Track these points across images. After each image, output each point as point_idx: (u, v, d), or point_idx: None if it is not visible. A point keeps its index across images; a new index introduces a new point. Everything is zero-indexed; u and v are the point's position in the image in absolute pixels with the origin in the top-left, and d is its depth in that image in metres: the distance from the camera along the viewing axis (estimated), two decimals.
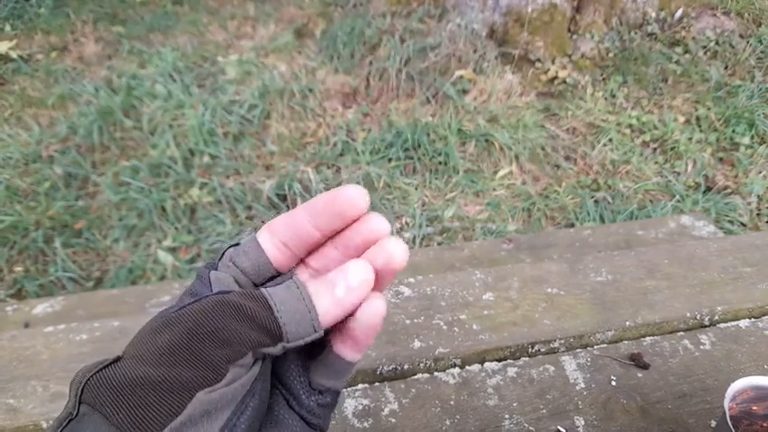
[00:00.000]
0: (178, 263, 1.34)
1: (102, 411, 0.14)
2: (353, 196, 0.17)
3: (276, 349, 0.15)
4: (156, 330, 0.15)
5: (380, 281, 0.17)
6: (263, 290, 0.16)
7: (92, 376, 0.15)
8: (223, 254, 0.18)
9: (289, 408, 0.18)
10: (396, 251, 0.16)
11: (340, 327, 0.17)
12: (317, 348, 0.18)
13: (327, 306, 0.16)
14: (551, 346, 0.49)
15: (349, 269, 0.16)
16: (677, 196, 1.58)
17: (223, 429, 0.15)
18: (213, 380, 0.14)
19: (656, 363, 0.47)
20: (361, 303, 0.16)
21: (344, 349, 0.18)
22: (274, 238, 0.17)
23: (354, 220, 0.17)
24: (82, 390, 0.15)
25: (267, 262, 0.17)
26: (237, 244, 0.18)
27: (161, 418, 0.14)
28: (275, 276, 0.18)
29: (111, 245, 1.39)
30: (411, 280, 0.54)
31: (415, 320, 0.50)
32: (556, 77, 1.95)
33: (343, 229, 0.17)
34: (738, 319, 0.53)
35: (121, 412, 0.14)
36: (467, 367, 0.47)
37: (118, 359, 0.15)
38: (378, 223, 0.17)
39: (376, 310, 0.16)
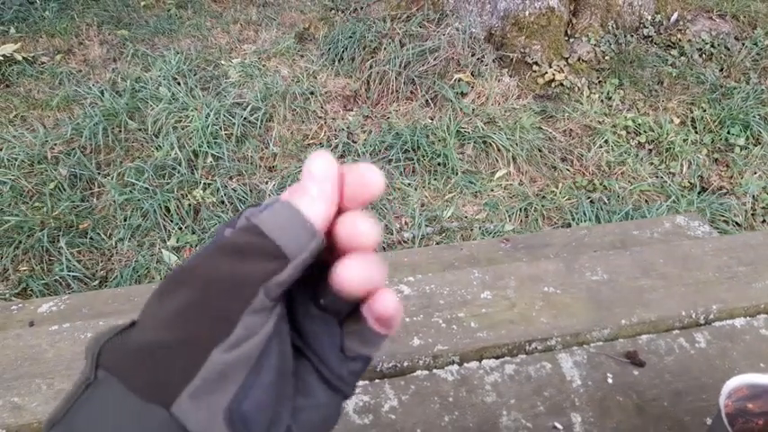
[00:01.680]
0: (182, 262, 1.35)
1: (118, 376, 0.14)
2: (371, 181, 0.16)
3: (286, 272, 0.15)
4: (163, 293, 0.15)
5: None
6: (252, 219, 0.16)
7: (107, 341, 0.15)
8: (241, 213, 0.17)
9: (317, 375, 0.18)
10: (370, 175, 0.16)
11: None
12: (352, 318, 0.18)
13: (312, 207, 0.15)
14: (548, 343, 0.50)
15: (311, 167, 0.16)
16: (672, 197, 1.58)
17: (239, 392, 0.14)
18: (226, 331, 0.14)
19: (652, 361, 0.48)
20: (341, 188, 0.16)
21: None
22: None
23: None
24: (98, 354, 0.15)
25: None
26: (257, 205, 0.18)
27: (177, 380, 0.14)
28: None
29: (115, 244, 1.40)
30: (410, 279, 0.55)
31: (415, 318, 0.51)
32: (553, 80, 1.96)
33: None
34: (733, 318, 0.53)
35: (138, 377, 0.14)
36: (465, 364, 0.48)
37: (133, 323, 0.15)
38: (372, 174, 0.16)
39: (353, 277, 0.16)
